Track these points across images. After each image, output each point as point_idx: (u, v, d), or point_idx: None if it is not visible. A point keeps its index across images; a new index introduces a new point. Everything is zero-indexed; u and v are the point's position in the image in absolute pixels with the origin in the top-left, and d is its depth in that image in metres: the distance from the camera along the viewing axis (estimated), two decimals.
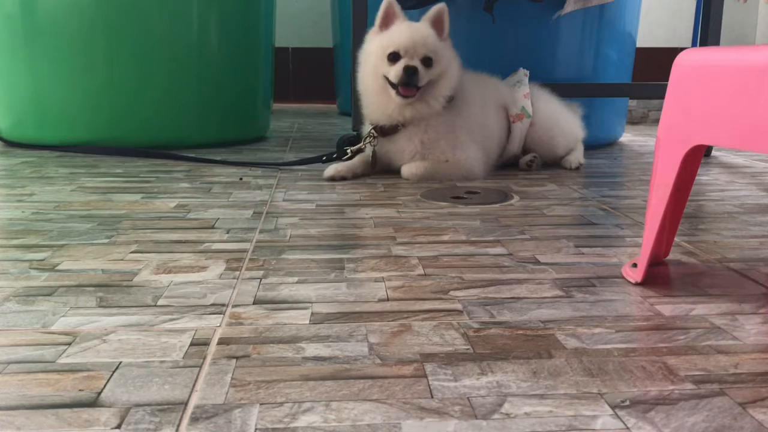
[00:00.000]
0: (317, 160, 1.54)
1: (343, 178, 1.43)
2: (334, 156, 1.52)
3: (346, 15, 2.74)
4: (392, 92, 1.40)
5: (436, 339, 0.62)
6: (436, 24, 1.43)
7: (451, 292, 0.74)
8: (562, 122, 1.67)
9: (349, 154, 1.47)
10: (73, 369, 0.55)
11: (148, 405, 0.50)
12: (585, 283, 0.78)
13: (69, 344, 0.60)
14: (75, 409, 0.49)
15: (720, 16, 1.79)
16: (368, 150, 1.47)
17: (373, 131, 1.46)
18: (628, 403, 0.51)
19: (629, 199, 1.27)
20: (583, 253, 0.90)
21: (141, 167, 1.56)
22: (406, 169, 1.43)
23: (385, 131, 1.45)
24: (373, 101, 1.46)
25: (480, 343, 0.61)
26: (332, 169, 1.43)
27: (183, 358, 0.58)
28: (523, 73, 1.68)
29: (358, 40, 1.52)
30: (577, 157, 1.64)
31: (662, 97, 0.78)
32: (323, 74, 3.46)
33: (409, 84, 1.37)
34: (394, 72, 1.38)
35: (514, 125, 1.60)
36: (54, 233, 0.97)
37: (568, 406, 0.50)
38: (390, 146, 1.46)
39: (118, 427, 0.47)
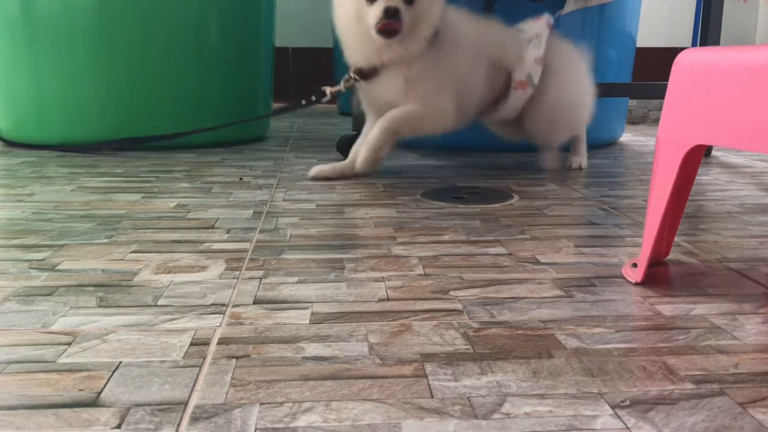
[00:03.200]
0: (298, 106, 1.50)
1: (326, 178, 1.40)
2: (314, 99, 1.46)
3: None
4: (374, 33, 1.30)
5: (436, 339, 0.62)
6: None
7: (451, 292, 0.74)
8: (574, 107, 1.49)
9: (328, 96, 1.43)
10: (73, 369, 0.55)
11: (148, 405, 0.50)
12: (585, 283, 0.78)
13: (69, 344, 0.60)
14: (75, 409, 0.49)
15: (720, 16, 1.79)
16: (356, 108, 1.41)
17: (352, 74, 1.37)
18: (628, 402, 0.51)
19: (629, 199, 1.27)
20: (583, 253, 0.90)
21: (141, 167, 1.56)
22: (358, 164, 1.38)
23: (364, 74, 1.37)
24: (351, 43, 1.37)
25: (480, 342, 0.61)
26: (316, 169, 1.41)
27: (183, 358, 0.58)
28: (545, 24, 1.44)
29: None
30: (580, 160, 1.59)
31: (662, 97, 0.78)
32: (323, 74, 3.46)
33: (391, 25, 1.28)
34: (373, 13, 1.28)
35: (515, 92, 1.43)
36: (54, 233, 0.97)
37: (568, 406, 0.50)
38: (372, 90, 1.38)
39: (118, 426, 0.47)
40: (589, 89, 1.53)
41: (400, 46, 1.32)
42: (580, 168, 1.59)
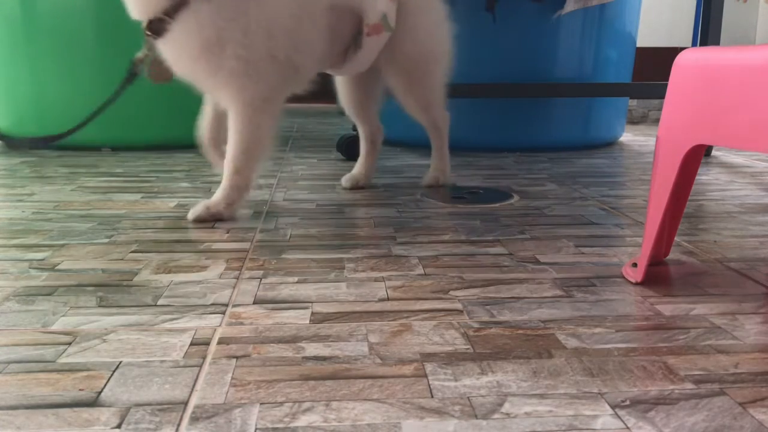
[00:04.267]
0: (122, 89, 1.17)
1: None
2: (127, 77, 1.13)
3: None
4: None
5: (436, 338, 0.62)
6: None
7: (451, 292, 0.74)
8: (433, 55, 1.19)
9: (137, 62, 1.09)
10: (73, 369, 0.55)
11: (149, 405, 0.50)
12: (585, 283, 0.78)
13: (69, 344, 0.60)
14: (75, 409, 0.49)
15: (720, 16, 1.79)
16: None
17: (146, 33, 1.01)
18: (628, 402, 0.51)
19: (629, 199, 1.27)
20: (583, 253, 0.90)
21: (141, 167, 1.56)
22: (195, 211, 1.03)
23: (155, 28, 0.99)
24: None
25: (480, 342, 0.61)
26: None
27: (183, 357, 0.58)
28: None
29: None
30: (437, 176, 1.29)
31: (662, 97, 0.78)
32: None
33: None
34: None
35: (368, 39, 1.13)
36: (54, 233, 0.97)
37: (568, 405, 0.50)
38: (168, 51, 1.00)
39: (119, 426, 0.47)
40: (446, 33, 1.22)
41: None
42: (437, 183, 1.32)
